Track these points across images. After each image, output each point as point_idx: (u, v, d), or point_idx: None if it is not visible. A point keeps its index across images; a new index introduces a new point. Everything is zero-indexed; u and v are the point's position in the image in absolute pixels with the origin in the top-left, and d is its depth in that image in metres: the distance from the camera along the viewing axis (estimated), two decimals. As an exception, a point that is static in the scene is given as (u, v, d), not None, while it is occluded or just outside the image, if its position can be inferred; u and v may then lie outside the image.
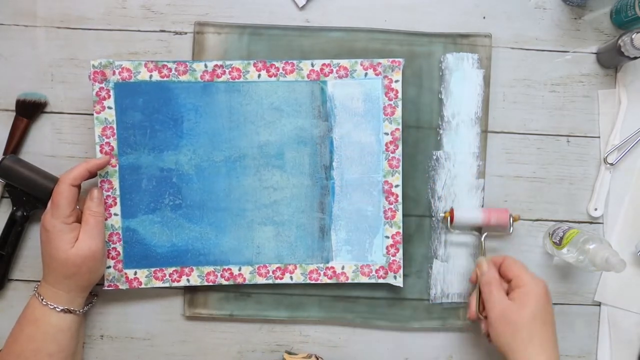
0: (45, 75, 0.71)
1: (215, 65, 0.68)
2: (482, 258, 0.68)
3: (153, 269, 0.69)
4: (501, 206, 0.73)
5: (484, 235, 0.70)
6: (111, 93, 0.67)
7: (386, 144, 0.69)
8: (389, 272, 0.70)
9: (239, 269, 0.70)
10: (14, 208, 0.69)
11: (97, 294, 0.71)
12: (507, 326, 0.61)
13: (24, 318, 0.64)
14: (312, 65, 0.69)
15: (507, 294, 0.64)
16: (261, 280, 0.70)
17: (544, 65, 0.73)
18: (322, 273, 0.70)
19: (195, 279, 0.69)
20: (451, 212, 0.70)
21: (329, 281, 0.70)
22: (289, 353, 0.71)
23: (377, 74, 0.69)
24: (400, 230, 0.70)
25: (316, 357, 0.70)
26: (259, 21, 0.71)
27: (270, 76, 0.69)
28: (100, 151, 0.67)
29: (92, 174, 0.66)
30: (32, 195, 0.68)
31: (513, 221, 0.70)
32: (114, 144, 0.68)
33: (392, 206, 0.70)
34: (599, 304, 0.73)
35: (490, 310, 0.63)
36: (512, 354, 0.61)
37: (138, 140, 0.68)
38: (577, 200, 0.73)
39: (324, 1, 0.72)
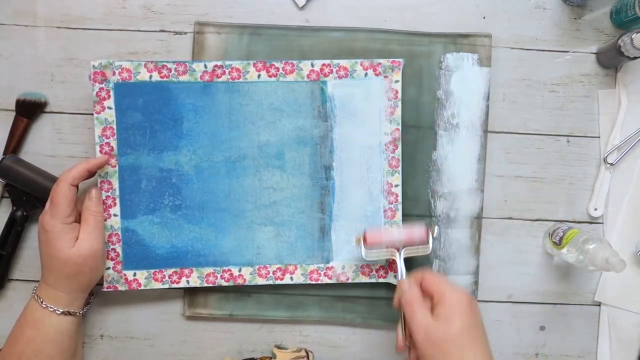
0: (45, 75, 0.71)
1: (215, 66, 0.68)
2: (402, 279, 0.63)
3: (152, 270, 0.69)
4: (501, 206, 0.73)
5: (402, 255, 0.65)
6: (111, 93, 0.67)
7: (386, 144, 0.69)
8: (389, 271, 0.70)
9: (239, 270, 0.69)
10: (14, 208, 0.69)
11: (94, 292, 0.70)
12: (434, 347, 0.55)
13: (23, 320, 0.63)
14: (312, 65, 0.68)
15: (432, 311, 0.58)
16: (261, 281, 0.70)
17: (544, 65, 0.73)
18: (322, 273, 0.70)
19: (195, 280, 0.69)
20: (364, 235, 0.65)
21: (329, 281, 0.70)
22: (279, 347, 0.71)
23: (377, 74, 0.69)
24: (400, 231, 0.70)
25: (306, 351, 0.70)
26: (259, 21, 0.71)
27: (270, 76, 0.68)
28: (100, 151, 0.67)
29: (92, 174, 0.65)
30: (32, 195, 0.68)
31: (432, 236, 0.66)
32: (113, 144, 0.68)
33: (392, 206, 0.70)
34: (599, 304, 0.73)
35: (415, 333, 0.56)
36: None
37: (138, 140, 0.68)
38: (577, 200, 0.73)
39: (324, 1, 0.72)
